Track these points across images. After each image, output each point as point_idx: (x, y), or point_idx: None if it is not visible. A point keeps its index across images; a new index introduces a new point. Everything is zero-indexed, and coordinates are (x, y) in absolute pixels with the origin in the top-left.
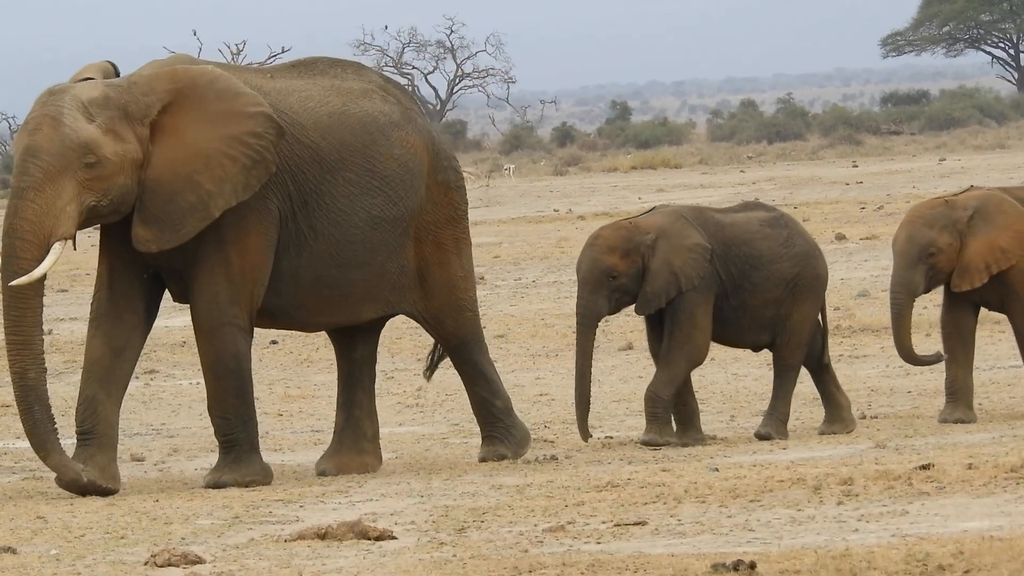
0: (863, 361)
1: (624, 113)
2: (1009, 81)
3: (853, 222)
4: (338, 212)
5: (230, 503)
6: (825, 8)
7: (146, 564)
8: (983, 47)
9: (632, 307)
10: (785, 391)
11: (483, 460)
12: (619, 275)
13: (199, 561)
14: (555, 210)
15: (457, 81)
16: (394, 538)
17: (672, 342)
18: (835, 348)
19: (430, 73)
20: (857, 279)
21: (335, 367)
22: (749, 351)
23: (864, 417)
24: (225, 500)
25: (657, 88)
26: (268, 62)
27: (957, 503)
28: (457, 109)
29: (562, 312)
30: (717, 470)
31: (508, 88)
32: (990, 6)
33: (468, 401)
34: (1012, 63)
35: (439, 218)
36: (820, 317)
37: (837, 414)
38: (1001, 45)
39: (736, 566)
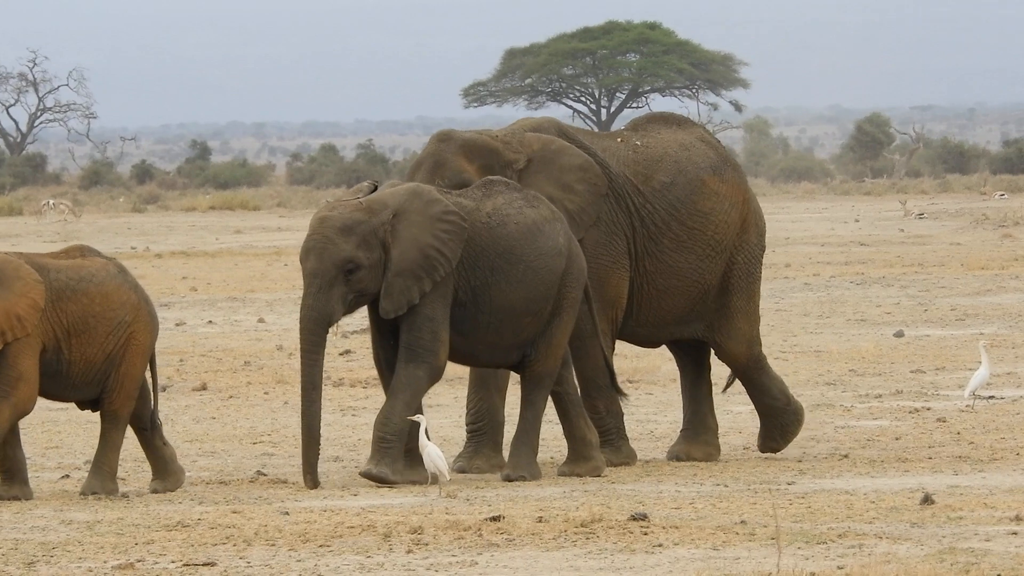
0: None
1: (204, 153)
2: None
3: None
4: None
5: None
6: (407, 56)
7: None
8: (565, 101)
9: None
10: None
11: None
12: None
13: None
14: (132, 247)
15: (38, 115)
16: None
17: None
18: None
19: (11, 106)
20: None
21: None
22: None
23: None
24: None
25: (238, 129)
26: None
27: (526, 556)
28: (38, 143)
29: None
30: (287, 514)
31: (89, 123)
32: (573, 60)
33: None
34: (594, 117)
35: None
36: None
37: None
38: (583, 99)
39: None
